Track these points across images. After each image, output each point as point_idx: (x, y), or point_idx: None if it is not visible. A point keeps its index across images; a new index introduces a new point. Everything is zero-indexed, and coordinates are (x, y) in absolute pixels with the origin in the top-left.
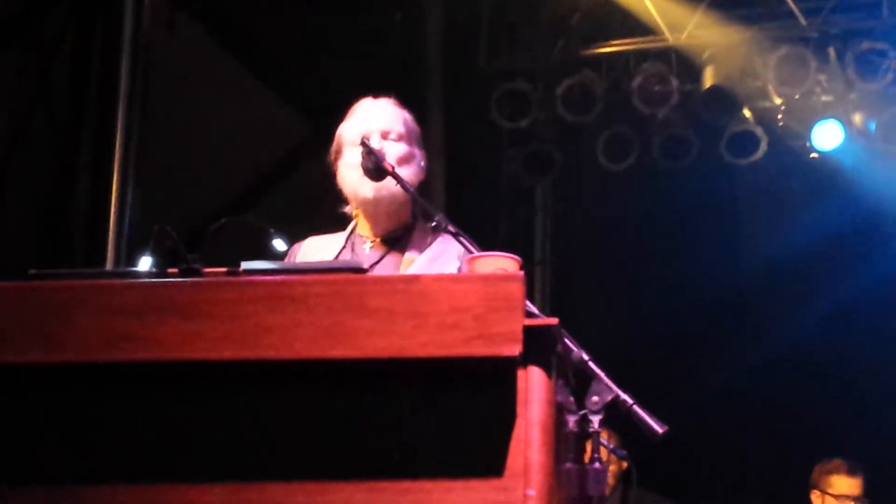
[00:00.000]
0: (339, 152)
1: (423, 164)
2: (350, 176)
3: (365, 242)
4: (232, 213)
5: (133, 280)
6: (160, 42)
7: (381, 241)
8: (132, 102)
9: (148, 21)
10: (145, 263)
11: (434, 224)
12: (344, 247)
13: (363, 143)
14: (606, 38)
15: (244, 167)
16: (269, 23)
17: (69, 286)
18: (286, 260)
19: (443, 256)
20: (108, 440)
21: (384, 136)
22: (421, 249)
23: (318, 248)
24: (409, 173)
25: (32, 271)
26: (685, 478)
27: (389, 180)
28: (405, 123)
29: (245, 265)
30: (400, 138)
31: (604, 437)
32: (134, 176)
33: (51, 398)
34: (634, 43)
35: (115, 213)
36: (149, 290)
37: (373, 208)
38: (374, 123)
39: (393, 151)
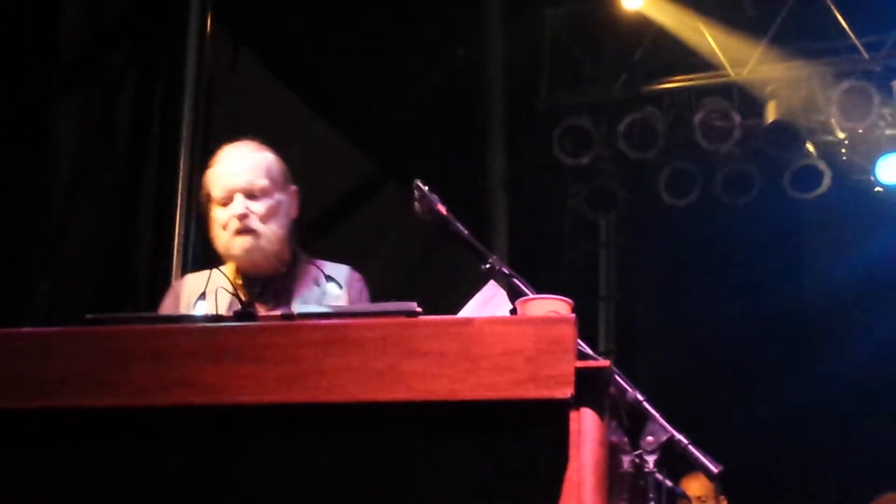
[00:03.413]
0: (207, 203)
1: (292, 202)
2: (220, 235)
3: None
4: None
5: (188, 325)
6: (222, 79)
7: (257, 292)
8: (194, 140)
9: (210, 58)
10: (201, 309)
11: (488, 266)
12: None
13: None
14: (668, 73)
15: (305, 204)
16: (331, 60)
17: (125, 331)
18: (167, 299)
19: (492, 301)
20: (163, 484)
21: (248, 194)
22: (300, 293)
23: (195, 290)
24: (276, 226)
25: (89, 316)
26: None
27: (257, 238)
28: (268, 172)
29: (299, 309)
30: (263, 192)
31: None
32: (196, 213)
33: (106, 442)
34: (696, 78)
35: (177, 250)
36: (203, 335)
37: (246, 263)
38: (237, 181)
39: (258, 211)
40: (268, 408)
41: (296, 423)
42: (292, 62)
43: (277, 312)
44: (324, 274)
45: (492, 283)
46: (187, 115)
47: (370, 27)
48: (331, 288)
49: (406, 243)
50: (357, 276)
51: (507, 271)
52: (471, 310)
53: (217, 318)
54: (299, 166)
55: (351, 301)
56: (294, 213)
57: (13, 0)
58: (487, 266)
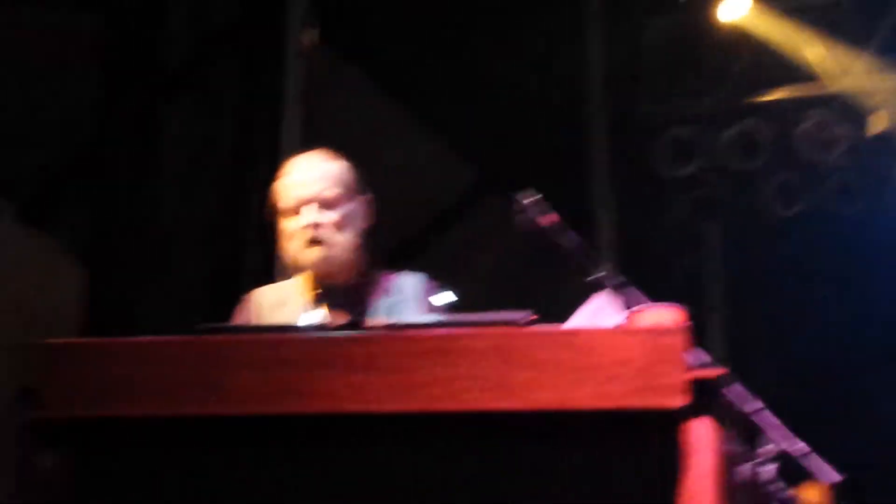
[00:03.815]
0: (276, 214)
1: (366, 211)
2: (290, 246)
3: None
4: (396, 261)
5: (297, 335)
6: (323, 88)
7: (332, 302)
8: (296, 147)
9: (311, 67)
10: (307, 318)
11: (598, 276)
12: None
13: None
14: (770, 84)
15: (407, 214)
16: (432, 69)
17: (235, 340)
18: (241, 318)
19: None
20: (273, 492)
21: (318, 204)
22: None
23: (270, 301)
24: (348, 235)
25: (199, 325)
26: None
27: (328, 248)
28: (338, 181)
29: (409, 319)
30: (335, 202)
31: None
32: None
33: (215, 451)
34: (799, 89)
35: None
36: (312, 344)
37: (317, 273)
38: (306, 191)
39: (328, 221)
40: (377, 417)
41: (406, 432)
42: (393, 70)
43: (385, 322)
44: (395, 282)
45: (602, 292)
46: (288, 123)
47: (471, 36)
48: (403, 296)
49: (512, 253)
50: (433, 284)
51: (617, 281)
52: (581, 319)
53: (325, 327)
54: (401, 175)
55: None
56: (368, 221)
57: (122, 12)
58: (597, 276)
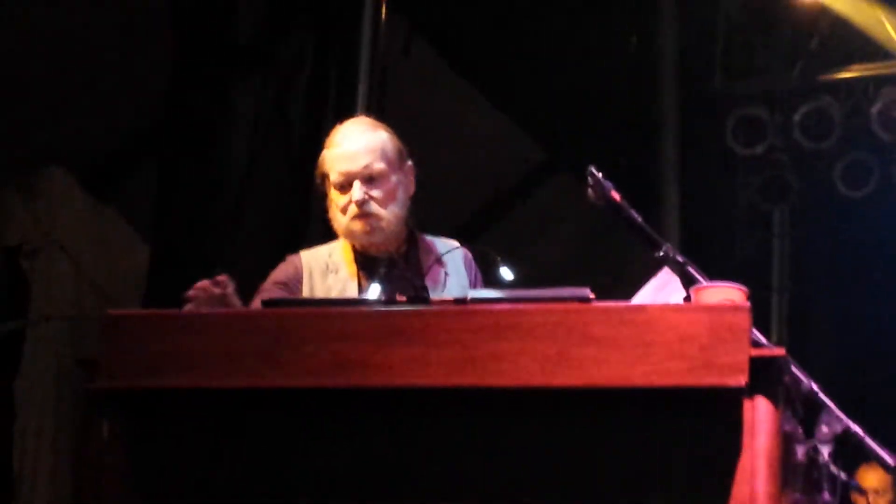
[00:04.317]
0: (324, 183)
1: (409, 180)
2: (340, 218)
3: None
4: (464, 238)
5: (361, 308)
6: (396, 65)
7: (382, 272)
8: None
9: (384, 44)
10: (374, 292)
11: (662, 253)
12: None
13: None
14: (846, 62)
15: (477, 191)
16: (503, 46)
17: (300, 314)
18: (286, 268)
19: (666, 288)
20: (335, 464)
21: (366, 178)
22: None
23: (324, 268)
24: (396, 208)
25: (265, 300)
26: None
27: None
28: (384, 154)
29: (472, 293)
30: (381, 175)
31: None
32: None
33: (278, 423)
34: (875, 68)
35: None
36: (377, 318)
37: (367, 245)
38: (354, 166)
39: (377, 195)
40: (440, 391)
41: (467, 407)
42: (465, 49)
43: (450, 297)
44: (441, 250)
45: (666, 269)
46: (361, 100)
47: (543, 13)
48: (453, 264)
49: (577, 230)
50: (470, 254)
51: (680, 259)
52: (644, 296)
53: (390, 301)
54: (471, 153)
55: (471, 280)
56: (411, 190)
57: None
58: (661, 253)
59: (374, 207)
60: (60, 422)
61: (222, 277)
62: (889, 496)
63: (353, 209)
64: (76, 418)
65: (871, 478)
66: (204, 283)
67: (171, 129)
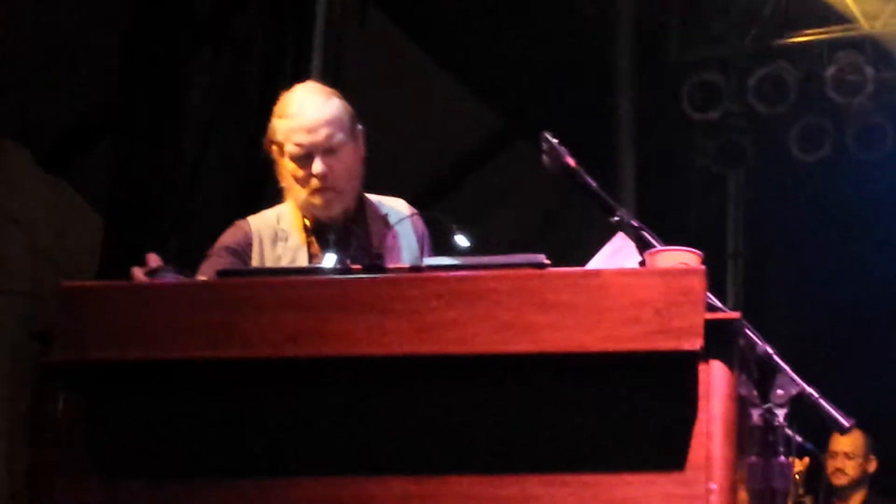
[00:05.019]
0: (276, 150)
1: (362, 145)
2: (297, 189)
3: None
4: (419, 207)
5: (316, 277)
6: (351, 35)
7: (333, 238)
8: None
9: (338, 16)
10: (329, 260)
11: (617, 219)
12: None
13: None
14: (800, 27)
15: (432, 160)
16: (458, 15)
17: (255, 283)
18: (235, 234)
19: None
20: (290, 434)
21: (325, 152)
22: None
23: (273, 236)
24: (355, 180)
25: (220, 269)
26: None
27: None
28: (342, 125)
29: (427, 261)
30: (340, 146)
31: None
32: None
33: (235, 393)
34: (828, 32)
35: None
36: (332, 286)
37: (325, 217)
38: (314, 139)
39: (337, 168)
40: (396, 359)
41: (424, 374)
42: (420, 18)
43: (405, 265)
44: (387, 212)
45: (620, 234)
46: (316, 70)
47: None
48: (400, 225)
49: (534, 198)
50: (419, 217)
51: (635, 224)
52: (599, 262)
53: (345, 270)
54: (427, 122)
55: (419, 243)
56: (363, 154)
57: None
58: (616, 218)
59: (334, 181)
60: (16, 395)
61: (151, 258)
62: (859, 460)
63: (314, 183)
64: (32, 392)
65: (842, 442)
66: (137, 272)
67: (127, 103)
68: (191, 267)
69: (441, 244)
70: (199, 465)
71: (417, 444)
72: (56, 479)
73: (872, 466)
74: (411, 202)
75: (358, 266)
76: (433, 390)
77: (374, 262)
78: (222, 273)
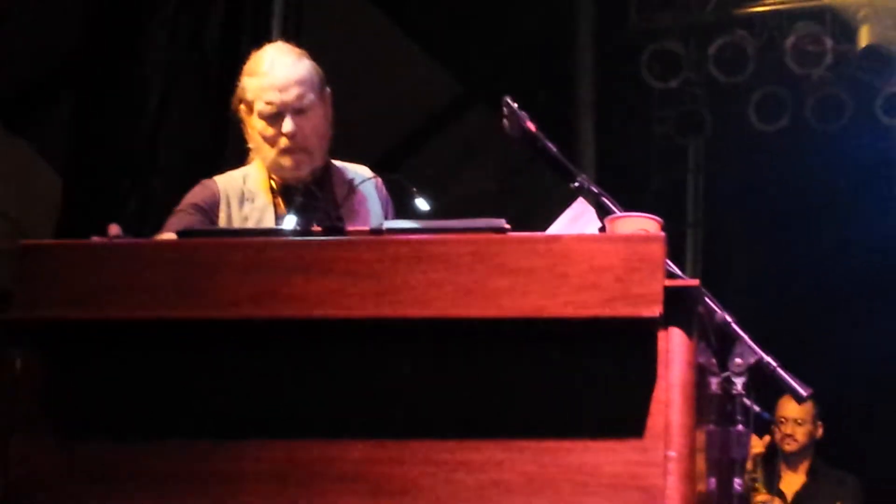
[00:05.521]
0: (244, 109)
1: (330, 107)
2: (265, 149)
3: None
4: (379, 171)
5: (277, 238)
6: None
7: (300, 200)
8: None
9: None
10: (290, 222)
11: (577, 184)
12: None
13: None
14: None
15: (393, 125)
16: None
17: (214, 244)
18: (203, 192)
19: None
20: (249, 396)
21: (295, 111)
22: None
23: (240, 196)
24: (324, 141)
25: (179, 230)
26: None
27: (307, 155)
28: (312, 85)
29: (387, 224)
30: (311, 107)
31: None
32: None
33: (195, 354)
34: (788, 2)
35: None
36: (292, 248)
37: (293, 178)
38: (285, 98)
39: (307, 128)
40: (355, 322)
41: (382, 337)
42: None
43: (366, 228)
44: (353, 177)
45: (580, 200)
46: (276, 32)
47: None
48: (365, 190)
49: (494, 163)
50: (381, 182)
51: (595, 189)
52: (559, 227)
53: (306, 232)
54: (388, 86)
55: (383, 207)
56: (331, 117)
57: None
58: (576, 184)
59: (304, 142)
60: None
61: (112, 229)
62: (809, 426)
63: (283, 142)
64: None
65: (791, 408)
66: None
67: (86, 61)
68: (150, 226)
69: (402, 208)
70: (157, 426)
71: (377, 408)
72: (12, 437)
73: (819, 432)
74: (371, 166)
75: (319, 228)
76: (393, 354)
77: (335, 225)
78: (182, 233)
